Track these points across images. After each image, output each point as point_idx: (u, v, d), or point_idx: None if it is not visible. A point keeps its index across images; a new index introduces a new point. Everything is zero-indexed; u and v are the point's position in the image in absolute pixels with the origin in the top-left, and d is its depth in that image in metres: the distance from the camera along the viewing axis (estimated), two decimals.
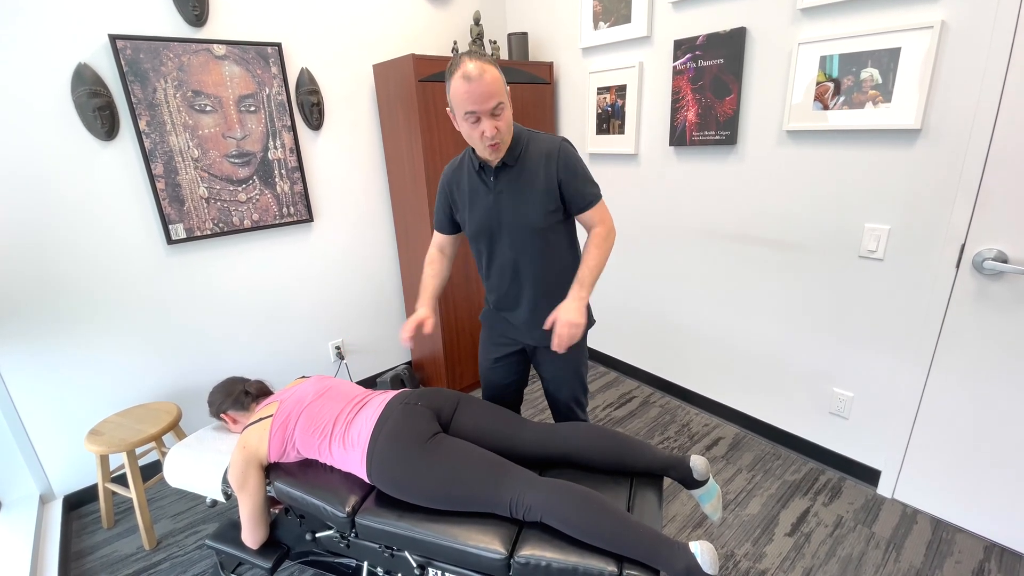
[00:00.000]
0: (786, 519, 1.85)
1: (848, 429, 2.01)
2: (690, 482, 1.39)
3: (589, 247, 1.36)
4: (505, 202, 1.36)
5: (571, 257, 1.47)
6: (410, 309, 2.84)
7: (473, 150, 1.36)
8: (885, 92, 1.62)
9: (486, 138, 1.24)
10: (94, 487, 2.11)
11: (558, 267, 1.44)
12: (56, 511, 1.96)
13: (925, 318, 1.70)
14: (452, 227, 1.54)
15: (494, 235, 1.41)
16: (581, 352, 1.55)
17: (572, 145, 1.37)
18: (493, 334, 1.60)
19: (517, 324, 1.52)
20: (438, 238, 1.59)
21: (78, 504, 2.09)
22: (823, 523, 1.82)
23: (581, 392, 1.61)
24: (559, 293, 1.42)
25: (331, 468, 1.41)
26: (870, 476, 1.98)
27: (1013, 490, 1.63)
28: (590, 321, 1.52)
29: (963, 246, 1.57)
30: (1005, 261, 1.50)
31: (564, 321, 1.25)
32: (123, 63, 1.83)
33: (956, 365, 1.67)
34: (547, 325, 1.31)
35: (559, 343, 1.25)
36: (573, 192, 1.35)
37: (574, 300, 1.28)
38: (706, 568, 1.07)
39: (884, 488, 1.93)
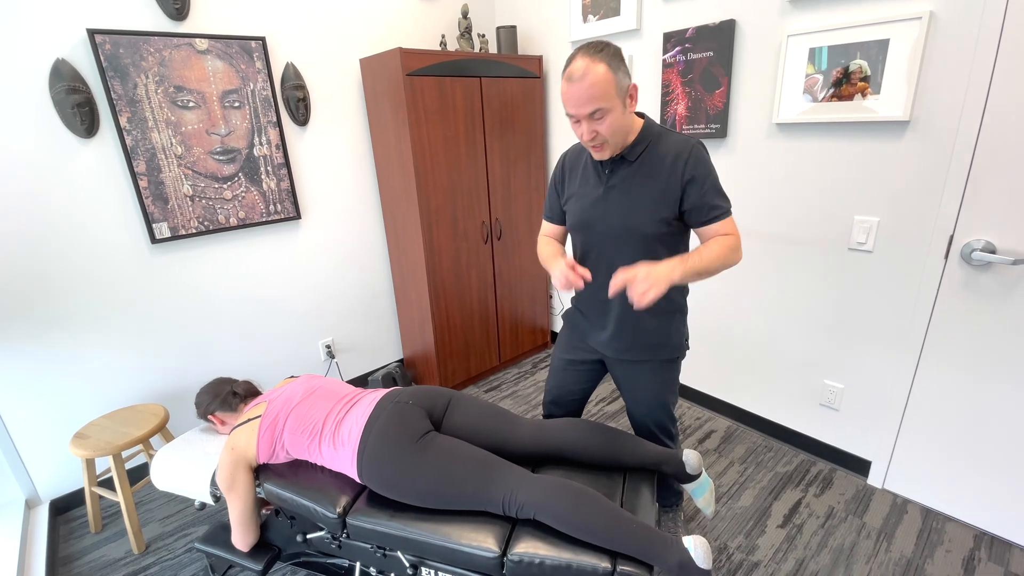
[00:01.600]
0: (778, 511, 1.86)
1: (839, 420, 2.02)
2: (683, 476, 1.39)
3: (711, 243, 1.19)
4: (615, 199, 1.27)
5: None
6: (401, 306, 2.82)
7: None
8: (874, 84, 1.62)
9: (584, 141, 1.19)
10: (81, 491, 2.07)
11: None
12: (42, 516, 1.93)
13: (914, 309, 1.71)
14: (562, 216, 1.43)
15: (595, 231, 1.32)
16: (667, 375, 1.44)
17: (706, 150, 1.24)
18: (573, 336, 1.52)
19: (599, 333, 1.42)
20: (547, 228, 1.49)
21: (65, 508, 2.05)
22: (815, 514, 1.83)
23: (666, 418, 1.49)
24: (651, 314, 1.33)
25: (321, 468, 1.40)
26: (861, 467, 2.00)
27: (1003, 479, 1.65)
28: (683, 348, 1.42)
29: (952, 237, 1.58)
30: (993, 252, 1.51)
31: (645, 273, 1.07)
32: (102, 58, 1.79)
33: (945, 355, 1.68)
34: (615, 282, 1.10)
35: (628, 289, 1.08)
36: (696, 200, 1.20)
37: (665, 265, 1.10)
38: (700, 563, 1.07)
39: (875, 479, 1.95)
